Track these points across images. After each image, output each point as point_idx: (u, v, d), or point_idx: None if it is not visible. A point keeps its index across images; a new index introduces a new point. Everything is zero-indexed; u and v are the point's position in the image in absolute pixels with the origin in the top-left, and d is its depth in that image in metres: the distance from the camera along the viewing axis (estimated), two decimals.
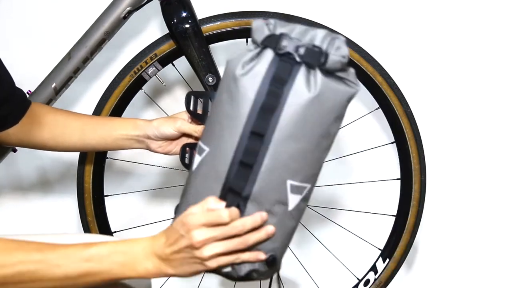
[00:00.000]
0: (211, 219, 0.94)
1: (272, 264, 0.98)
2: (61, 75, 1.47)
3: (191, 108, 1.26)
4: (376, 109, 1.56)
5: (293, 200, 0.97)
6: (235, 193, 0.95)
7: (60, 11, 1.69)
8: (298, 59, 0.92)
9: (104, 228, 1.56)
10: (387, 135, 1.69)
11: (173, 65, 1.51)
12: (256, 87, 0.93)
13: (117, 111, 1.49)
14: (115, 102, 1.49)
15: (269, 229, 0.96)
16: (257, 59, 0.94)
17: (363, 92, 1.53)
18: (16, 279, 0.94)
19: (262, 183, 0.94)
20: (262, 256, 0.97)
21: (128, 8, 1.43)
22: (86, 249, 0.96)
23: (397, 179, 1.58)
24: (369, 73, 1.50)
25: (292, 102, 0.92)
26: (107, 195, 1.57)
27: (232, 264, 0.98)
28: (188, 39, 1.41)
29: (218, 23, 1.47)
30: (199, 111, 1.26)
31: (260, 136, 0.93)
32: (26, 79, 1.40)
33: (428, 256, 1.86)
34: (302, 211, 1.00)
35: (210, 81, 1.43)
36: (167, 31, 1.44)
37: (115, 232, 1.60)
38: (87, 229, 1.54)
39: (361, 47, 1.50)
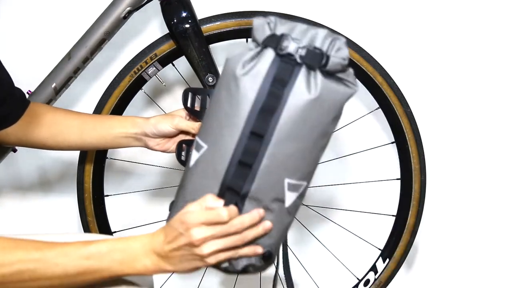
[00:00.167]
0: (210, 218, 0.94)
1: (268, 258, 1.00)
2: (61, 75, 1.47)
3: (189, 104, 1.26)
4: (376, 109, 1.56)
5: (290, 197, 0.98)
6: (234, 192, 0.96)
7: (60, 11, 1.69)
8: (299, 60, 0.92)
9: (104, 228, 1.56)
10: (387, 135, 1.69)
11: (173, 65, 1.51)
12: (257, 87, 0.93)
13: (117, 111, 1.49)
14: (115, 102, 1.49)
15: (267, 224, 0.97)
16: (257, 58, 0.94)
17: (363, 92, 1.53)
18: (15, 278, 0.94)
19: (261, 182, 0.95)
20: (259, 250, 0.98)
21: (128, 8, 1.43)
22: (85, 247, 0.96)
23: (397, 179, 1.58)
24: (369, 73, 1.50)
25: (292, 104, 0.92)
26: (107, 195, 1.57)
27: (229, 260, 0.98)
28: (188, 39, 1.41)
29: (218, 23, 1.47)
30: (197, 108, 1.26)
31: (260, 136, 0.93)
32: (26, 79, 1.40)
33: (428, 256, 1.86)
34: (298, 207, 1.01)
35: (210, 81, 1.43)
36: (167, 31, 1.44)
37: (115, 232, 1.60)
38: (87, 229, 1.54)
39: (361, 47, 1.50)
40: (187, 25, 1.40)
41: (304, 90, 0.92)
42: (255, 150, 0.94)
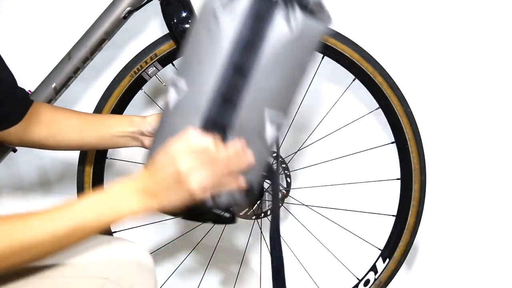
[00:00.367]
0: (197, 146, 0.94)
1: (250, 194, 1.01)
2: (61, 75, 1.46)
3: None
4: (376, 109, 1.56)
5: (270, 130, 1.00)
6: (217, 126, 0.96)
7: (60, 11, 1.69)
8: None
9: None
10: (387, 135, 1.69)
11: (173, 65, 1.51)
12: (237, 23, 0.94)
13: (117, 111, 1.49)
14: (115, 102, 1.49)
15: (250, 156, 0.98)
16: None
17: (363, 92, 1.54)
18: (7, 252, 0.92)
19: (243, 116, 0.97)
20: (243, 182, 0.99)
21: (128, 8, 1.43)
22: (68, 207, 0.95)
23: (397, 179, 1.58)
24: (369, 73, 1.50)
25: (273, 39, 0.94)
26: None
27: (213, 197, 0.98)
28: None
29: None
30: None
31: (242, 72, 0.95)
32: (26, 79, 1.40)
33: (428, 256, 1.86)
34: (274, 142, 1.03)
35: None
36: (167, 31, 1.44)
37: (115, 232, 1.60)
38: None
39: (361, 47, 1.50)
40: (187, 25, 1.40)
41: (284, 26, 0.94)
42: (238, 85, 0.95)
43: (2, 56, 1.21)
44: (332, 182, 1.75)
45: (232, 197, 1.00)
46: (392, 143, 1.57)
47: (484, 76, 1.75)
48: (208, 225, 1.72)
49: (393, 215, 1.60)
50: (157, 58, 1.47)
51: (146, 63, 1.47)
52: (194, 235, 1.77)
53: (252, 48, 0.94)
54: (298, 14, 0.94)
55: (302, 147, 1.69)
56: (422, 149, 1.55)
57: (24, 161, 1.81)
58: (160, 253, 1.73)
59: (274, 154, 1.58)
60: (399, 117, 1.53)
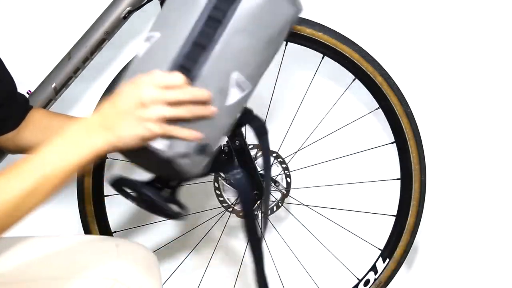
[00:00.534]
0: (164, 82, 0.94)
1: (204, 151, 1.00)
2: (61, 75, 1.46)
3: None
4: (376, 109, 1.56)
5: (234, 94, 1.01)
6: (185, 70, 0.97)
7: (60, 11, 1.69)
8: None
9: (104, 228, 1.56)
10: (387, 135, 1.69)
11: None
12: None
13: None
14: None
15: (213, 107, 0.98)
16: None
17: (363, 92, 1.54)
18: None
19: (211, 66, 0.98)
20: (199, 134, 0.98)
21: (128, 8, 1.43)
22: (30, 159, 0.93)
23: (397, 179, 1.58)
24: (369, 73, 1.50)
25: None
26: (107, 195, 1.56)
27: (170, 138, 0.96)
28: None
29: None
30: None
31: (217, 21, 0.98)
32: (26, 79, 1.40)
33: (428, 256, 1.86)
34: (237, 112, 1.04)
35: None
36: None
37: (115, 232, 1.60)
38: (87, 229, 1.54)
39: (361, 47, 1.50)
40: None
41: None
42: (211, 33, 0.98)
43: (2, 59, 1.20)
44: (332, 182, 1.75)
45: (187, 149, 0.98)
46: (392, 143, 1.57)
47: (484, 76, 1.75)
48: (208, 225, 1.72)
49: (393, 215, 1.60)
50: None
51: None
52: (194, 235, 1.77)
53: (229, 1, 0.98)
54: None
55: (302, 147, 1.69)
56: (422, 149, 1.55)
57: None
58: (160, 253, 1.72)
59: (275, 154, 1.58)
60: (399, 117, 1.53)
